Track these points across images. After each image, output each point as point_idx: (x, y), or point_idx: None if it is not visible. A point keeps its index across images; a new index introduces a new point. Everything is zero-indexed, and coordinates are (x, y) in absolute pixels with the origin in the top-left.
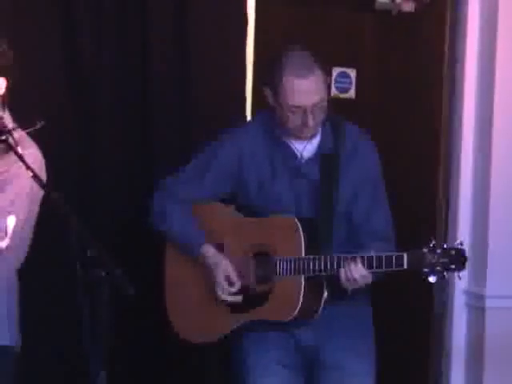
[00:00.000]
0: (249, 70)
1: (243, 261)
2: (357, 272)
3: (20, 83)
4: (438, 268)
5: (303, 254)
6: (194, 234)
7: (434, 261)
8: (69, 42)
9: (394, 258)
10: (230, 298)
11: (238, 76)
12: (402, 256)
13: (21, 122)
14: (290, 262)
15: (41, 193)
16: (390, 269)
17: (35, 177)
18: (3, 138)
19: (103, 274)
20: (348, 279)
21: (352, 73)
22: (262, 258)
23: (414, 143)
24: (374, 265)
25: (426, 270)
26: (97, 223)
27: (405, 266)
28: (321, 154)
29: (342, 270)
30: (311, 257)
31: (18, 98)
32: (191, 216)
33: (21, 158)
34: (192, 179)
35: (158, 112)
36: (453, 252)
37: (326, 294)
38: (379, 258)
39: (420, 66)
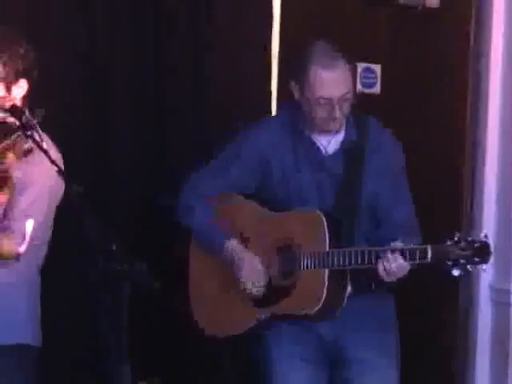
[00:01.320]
0: (274, 69)
1: (267, 254)
2: (395, 264)
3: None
4: (462, 261)
5: (327, 248)
6: (218, 232)
7: (457, 253)
8: (83, 40)
9: (417, 250)
10: (256, 291)
11: (262, 75)
12: (426, 249)
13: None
14: (315, 256)
15: (60, 192)
16: (413, 261)
17: (60, 172)
18: (29, 133)
19: (125, 268)
20: (386, 272)
21: (377, 68)
22: (286, 251)
23: (439, 139)
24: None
25: (449, 262)
26: (110, 220)
27: (428, 259)
28: (345, 149)
29: (381, 262)
30: (335, 251)
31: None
32: (215, 213)
33: (46, 153)
34: (216, 174)
35: (173, 112)
36: (477, 245)
37: (349, 289)
38: (402, 251)
39: (445, 61)
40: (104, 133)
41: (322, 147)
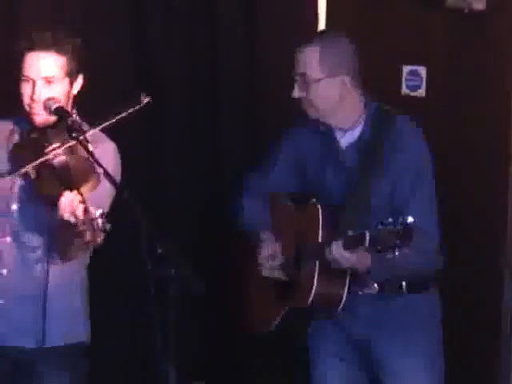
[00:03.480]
0: None
1: (283, 248)
2: (337, 252)
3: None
4: (389, 244)
5: (320, 240)
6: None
7: (383, 236)
8: (138, 42)
9: (357, 236)
10: (273, 274)
11: None
12: (364, 234)
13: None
14: (309, 248)
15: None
16: (352, 248)
17: (107, 175)
18: (74, 135)
19: (172, 271)
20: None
21: (422, 71)
22: (301, 247)
23: (485, 142)
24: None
25: (378, 247)
26: (162, 222)
27: (366, 244)
28: (360, 143)
29: (326, 251)
30: (314, 243)
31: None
32: (263, 207)
33: (97, 161)
34: (262, 174)
35: (226, 113)
36: (399, 227)
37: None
38: (351, 237)
39: (491, 63)
40: (155, 134)
41: (337, 139)
